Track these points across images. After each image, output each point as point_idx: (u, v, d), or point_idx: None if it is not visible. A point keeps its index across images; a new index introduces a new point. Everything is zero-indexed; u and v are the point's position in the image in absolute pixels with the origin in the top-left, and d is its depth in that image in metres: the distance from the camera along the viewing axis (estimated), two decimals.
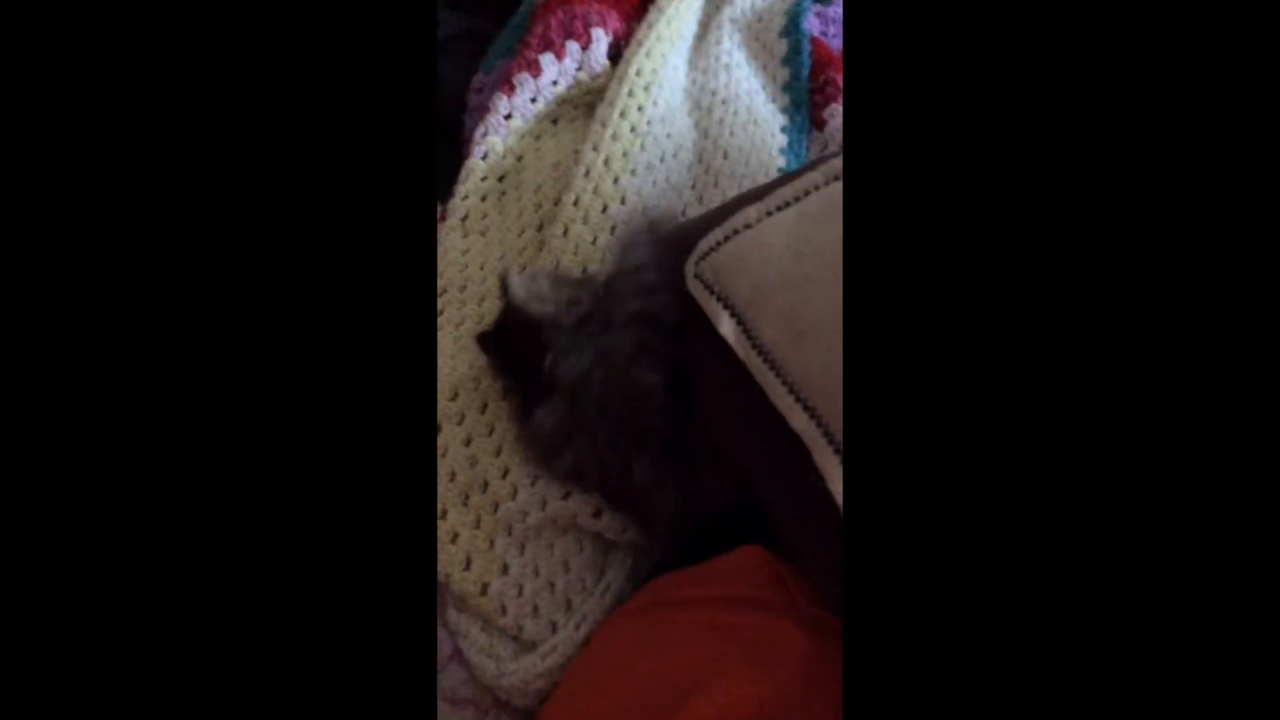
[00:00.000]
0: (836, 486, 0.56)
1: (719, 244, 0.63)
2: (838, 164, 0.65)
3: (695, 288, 0.63)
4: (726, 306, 0.61)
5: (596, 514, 0.76)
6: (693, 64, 1.06)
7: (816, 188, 0.63)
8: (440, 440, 0.81)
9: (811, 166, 0.65)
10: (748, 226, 0.63)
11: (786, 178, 0.66)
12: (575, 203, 0.91)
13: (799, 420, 0.59)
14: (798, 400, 0.59)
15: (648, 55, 1.00)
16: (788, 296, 0.60)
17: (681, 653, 0.61)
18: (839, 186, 0.63)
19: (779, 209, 0.63)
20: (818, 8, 1.09)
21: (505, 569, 0.76)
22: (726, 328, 0.61)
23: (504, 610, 0.75)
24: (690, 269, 0.63)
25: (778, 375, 0.60)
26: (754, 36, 1.10)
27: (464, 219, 0.99)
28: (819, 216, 0.61)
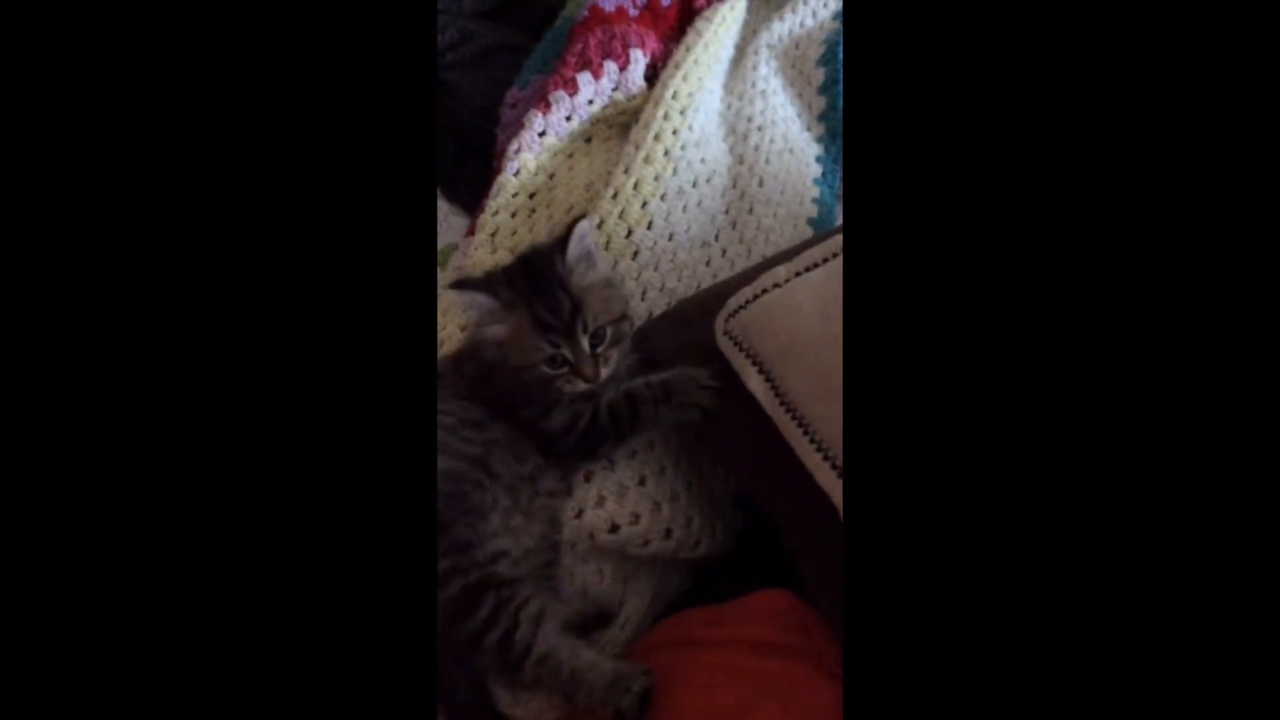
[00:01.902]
0: None
1: (748, 302, 0.63)
2: None
3: (724, 344, 0.63)
4: (755, 363, 0.61)
5: (613, 529, 0.76)
6: (729, 89, 1.06)
7: None
8: None
9: (840, 229, 0.65)
10: (776, 286, 0.63)
11: (815, 239, 0.66)
12: (599, 226, 0.90)
13: (826, 478, 0.59)
14: (825, 458, 0.59)
15: (684, 79, 0.99)
16: (816, 355, 0.60)
17: (709, 696, 0.62)
18: None
19: (807, 269, 0.63)
20: None
21: None
22: (755, 384, 0.61)
23: None
24: (720, 325, 0.63)
25: (805, 433, 0.60)
26: (791, 64, 1.09)
27: (493, 234, 0.99)
28: None
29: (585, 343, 0.72)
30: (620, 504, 0.76)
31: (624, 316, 0.75)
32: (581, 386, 0.72)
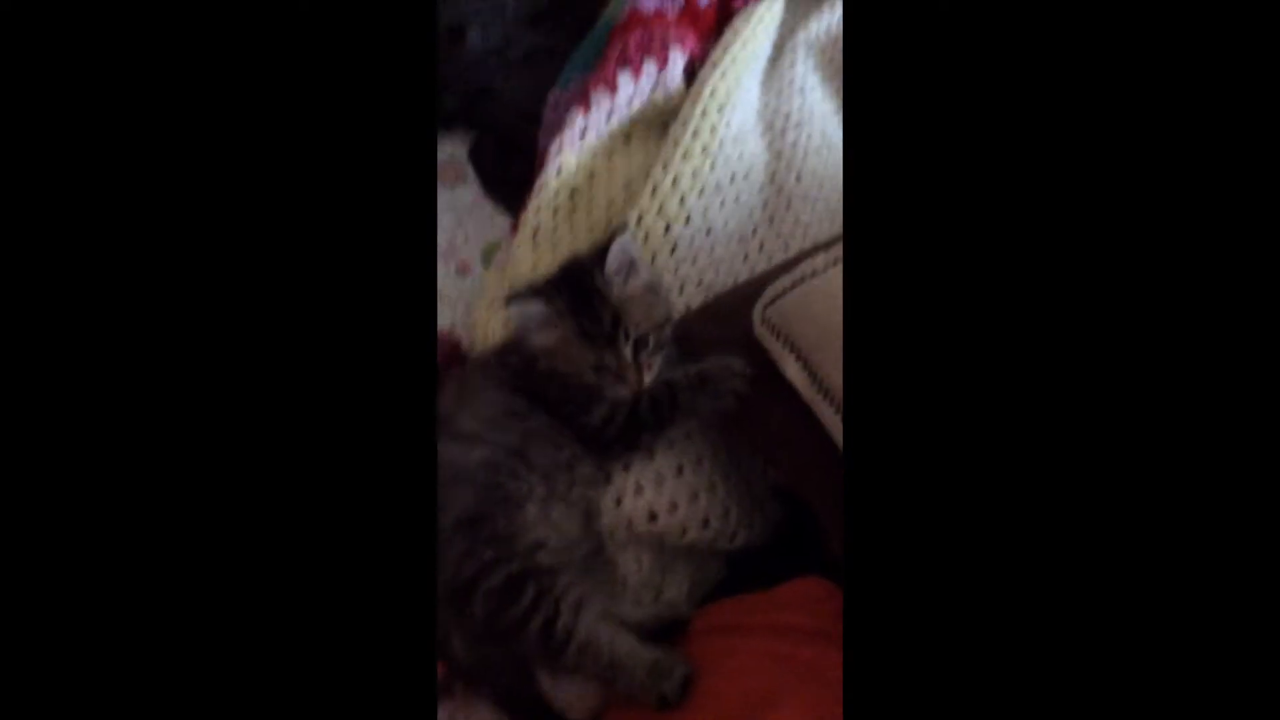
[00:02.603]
0: None
1: (786, 290, 0.64)
2: None
3: (762, 333, 0.64)
4: (793, 350, 0.62)
5: (651, 518, 0.78)
6: (766, 86, 1.06)
7: None
8: None
9: None
10: (815, 274, 0.63)
11: None
12: (638, 221, 0.92)
13: None
14: None
15: (722, 76, 1.01)
16: None
17: (740, 682, 0.63)
18: None
19: None
20: None
21: None
22: (793, 372, 0.61)
23: None
24: (758, 314, 0.64)
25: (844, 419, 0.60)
26: (828, 60, 1.09)
27: (535, 232, 1.01)
28: None
29: (628, 351, 0.74)
30: (658, 493, 0.78)
31: (667, 321, 0.78)
32: (625, 393, 0.75)
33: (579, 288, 0.76)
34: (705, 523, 0.79)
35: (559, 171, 1.02)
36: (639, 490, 0.78)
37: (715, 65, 1.02)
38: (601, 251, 0.76)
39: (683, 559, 0.82)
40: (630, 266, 0.76)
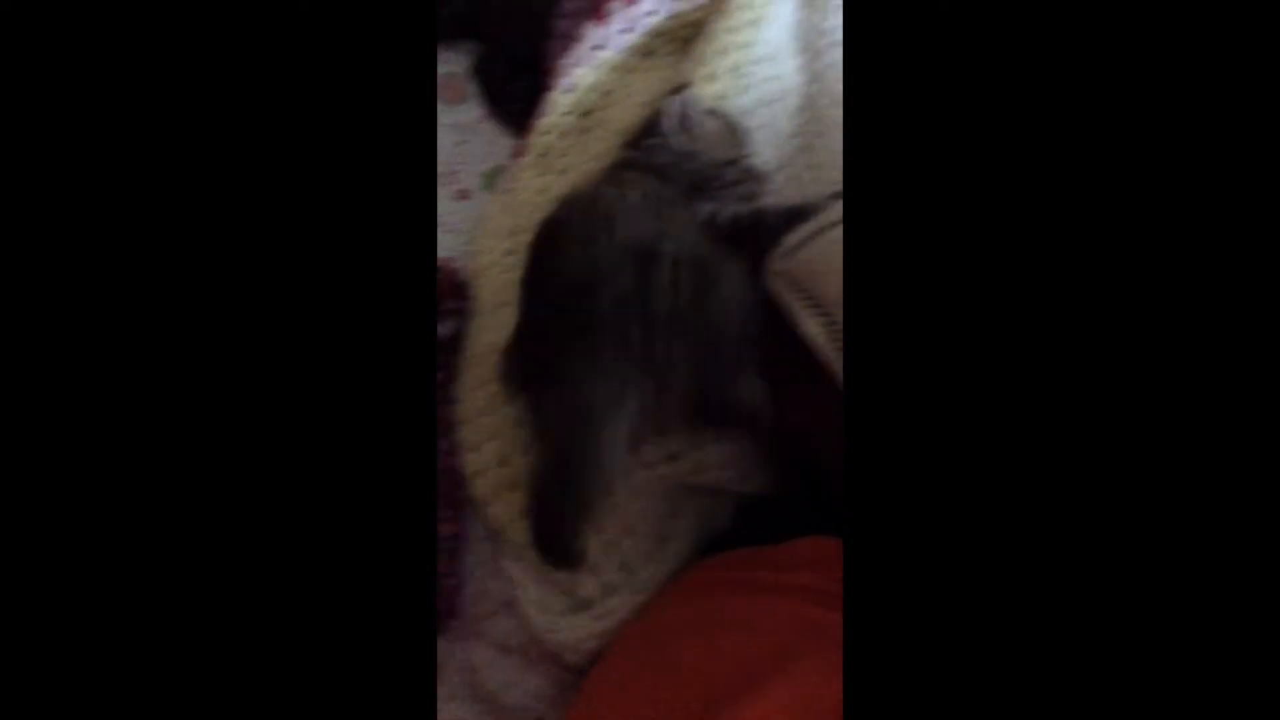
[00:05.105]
0: None
1: (806, 240, 0.61)
2: None
3: (779, 284, 0.62)
4: (813, 305, 0.60)
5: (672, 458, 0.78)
6: (803, 0, 1.01)
7: None
8: None
9: None
10: (834, 224, 0.61)
11: None
12: None
13: None
14: None
15: None
16: None
17: (761, 638, 0.62)
18: None
19: None
20: None
21: None
22: (813, 328, 0.60)
23: None
24: (774, 264, 0.62)
25: None
26: None
27: (543, 155, 0.99)
28: None
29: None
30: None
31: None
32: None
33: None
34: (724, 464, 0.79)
35: (570, 89, 0.98)
36: None
37: None
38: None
39: (689, 507, 0.83)
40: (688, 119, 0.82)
